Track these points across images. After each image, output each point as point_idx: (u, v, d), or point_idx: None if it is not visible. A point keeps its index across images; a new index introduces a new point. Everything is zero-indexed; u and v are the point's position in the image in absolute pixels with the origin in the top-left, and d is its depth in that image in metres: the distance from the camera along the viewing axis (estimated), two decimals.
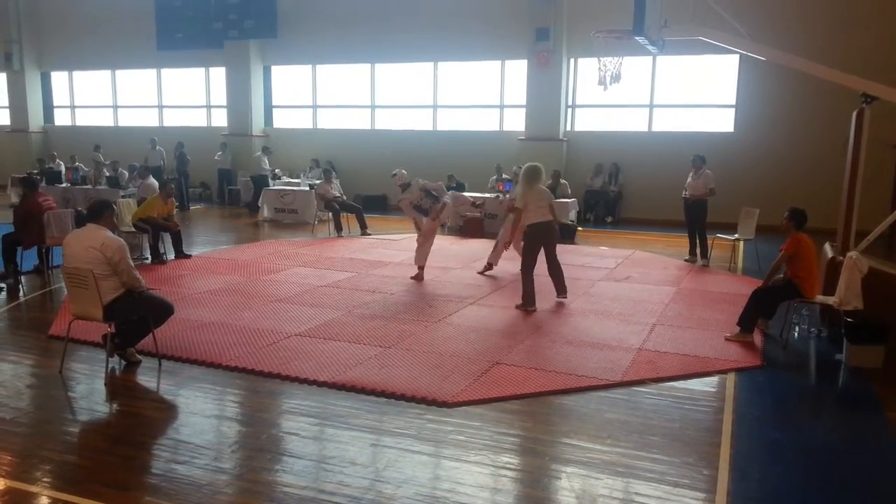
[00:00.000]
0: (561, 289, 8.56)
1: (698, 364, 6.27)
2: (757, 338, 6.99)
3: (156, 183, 11.92)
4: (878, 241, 8.37)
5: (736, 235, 11.14)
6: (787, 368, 6.46)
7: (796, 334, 7.35)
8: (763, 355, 6.58)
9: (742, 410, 5.31)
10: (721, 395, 5.64)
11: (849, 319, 6.42)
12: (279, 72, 20.19)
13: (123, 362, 6.06)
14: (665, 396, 5.55)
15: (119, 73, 21.97)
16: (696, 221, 11.08)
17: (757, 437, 4.94)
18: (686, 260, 11.24)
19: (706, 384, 5.91)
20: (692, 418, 5.14)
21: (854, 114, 7.70)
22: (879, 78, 8.24)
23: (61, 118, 23.31)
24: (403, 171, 10.31)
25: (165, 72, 21.31)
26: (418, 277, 9.55)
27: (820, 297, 7.05)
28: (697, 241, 11.13)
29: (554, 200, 8.61)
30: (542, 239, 8.27)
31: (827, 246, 8.09)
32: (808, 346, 7.19)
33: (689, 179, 11.22)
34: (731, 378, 5.99)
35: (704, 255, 11.14)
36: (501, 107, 17.80)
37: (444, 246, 12.49)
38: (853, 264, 6.63)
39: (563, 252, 11.69)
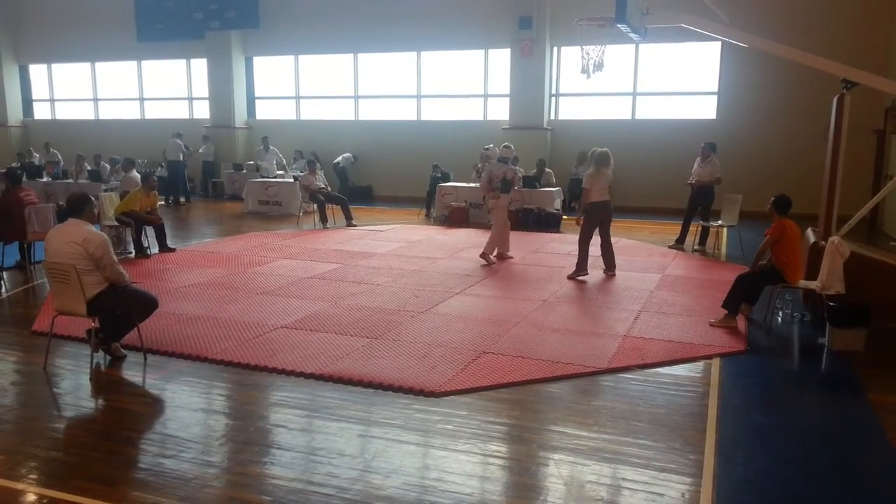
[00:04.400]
0: (610, 265, 9.30)
1: (683, 350, 6.32)
2: (741, 323, 7.05)
3: (138, 176, 11.81)
4: (860, 225, 8.46)
5: (719, 222, 11.22)
6: (771, 353, 6.52)
7: (780, 319, 7.42)
8: (747, 340, 6.64)
9: (727, 395, 5.36)
10: (706, 381, 5.69)
11: (831, 303, 6.48)
12: (261, 62, 20.06)
13: (108, 357, 6.02)
14: (651, 382, 5.59)
15: (99, 65, 21.75)
16: (700, 208, 11.15)
17: (742, 421, 4.98)
18: (670, 247, 11.31)
19: (691, 370, 5.96)
20: (678, 404, 5.19)
21: (835, 100, 7.76)
22: (860, 64, 8.31)
23: (41, 112, 23.03)
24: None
25: (146, 63, 21.12)
26: (504, 258, 10.29)
27: (802, 282, 7.11)
28: (695, 227, 11.21)
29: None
30: (601, 216, 9.16)
31: (809, 231, 8.17)
32: (792, 330, 7.26)
33: (695, 166, 11.30)
34: (715, 363, 6.05)
35: (703, 241, 11.24)
36: (485, 96, 17.79)
37: (431, 236, 12.49)
38: (835, 249, 6.69)
39: (549, 241, 11.79)
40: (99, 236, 5.68)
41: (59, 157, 17.97)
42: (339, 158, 18.00)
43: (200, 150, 18.92)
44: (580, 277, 9.03)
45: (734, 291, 7.05)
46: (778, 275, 6.98)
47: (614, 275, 9.20)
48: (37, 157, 18.07)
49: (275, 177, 16.35)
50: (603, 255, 9.30)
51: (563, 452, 4.41)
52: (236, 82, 19.60)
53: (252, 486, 3.99)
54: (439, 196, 14.82)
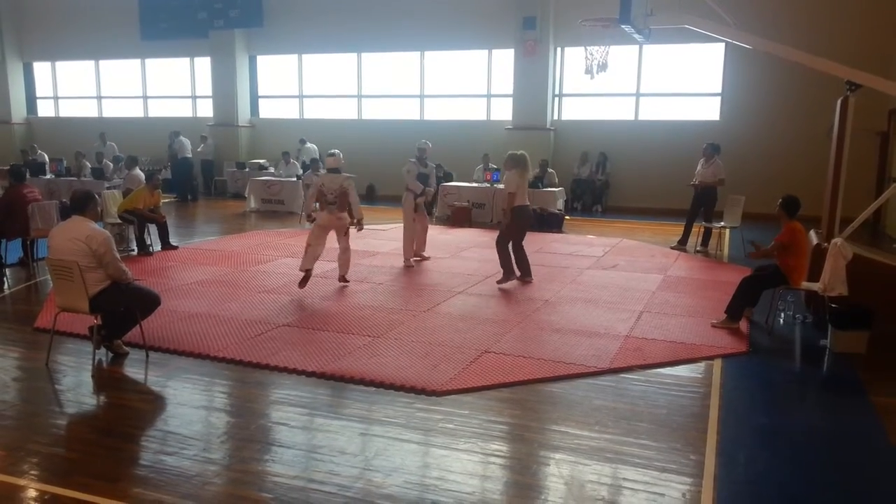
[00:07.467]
0: (527, 271, 8.84)
1: (685, 351, 6.31)
2: (743, 324, 7.04)
3: (141, 174, 11.83)
4: (863, 227, 8.46)
5: (722, 223, 11.21)
6: (773, 354, 6.51)
7: (782, 320, 7.41)
8: (749, 341, 6.63)
9: (728, 396, 5.35)
10: (708, 381, 5.68)
11: (833, 305, 6.48)
12: (265, 61, 20.07)
13: (110, 354, 6.03)
14: (652, 383, 5.59)
15: (103, 63, 21.78)
16: (703, 209, 11.13)
17: (743, 422, 4.98)
18: (673, 247, 11.30)
19: (693, 370, 5.95)
20: (679, 404, 5.19)
21: (838, 102, 7.75)
22: (864, 66, 8.29)
23: (44, 109, 23.07)
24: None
25: (150, 62, 21.14)
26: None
27: (805, 284, 7.09)
28: (698, 228, 11.20)
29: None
30: (528, 219, 8.87)
31: (812, 233, 8.15)
32: (794, 332, 7.25)
33: (698, 167, 11.29)
34: (717, 364, 6.04)
35: (706, 242, 11.22)
36: (489, 96, 17.78)
37: (433, 235, 12.44)
38: (838, 251, 6.68)
39: (552, 241, 11.79)
40: (102, 233, 5.69)
41: (116, 149, 17.87)
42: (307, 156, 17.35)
43: (199, 149, 18.93)
44: (507, 282, 8.63)
45: (739, 294, 7.03)
46: (782, 277, 6.96)
47: (531, 280, 8.74)
48: (41, 155, 17.99)
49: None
50: (519, 261, 8.75)
51: (564, 452, 4.41)
52: (240, 81, 19.62)
53: (253, 483, 3.99)
54: (442, 196, 14.82)
